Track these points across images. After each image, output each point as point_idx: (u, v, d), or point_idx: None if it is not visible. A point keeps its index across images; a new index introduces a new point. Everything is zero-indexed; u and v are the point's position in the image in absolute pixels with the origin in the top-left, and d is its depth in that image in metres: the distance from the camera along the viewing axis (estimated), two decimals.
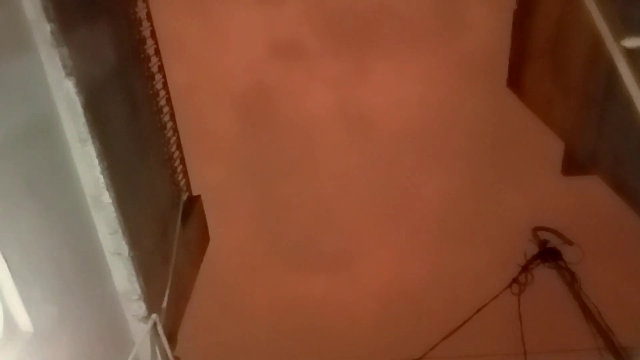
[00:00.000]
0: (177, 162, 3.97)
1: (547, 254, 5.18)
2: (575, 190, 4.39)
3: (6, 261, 2.20)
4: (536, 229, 5.28)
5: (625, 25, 2.56)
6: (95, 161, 2.68)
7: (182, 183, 3.98)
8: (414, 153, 5.14)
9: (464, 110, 4.90)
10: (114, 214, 2.80)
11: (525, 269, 5.20)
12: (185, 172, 4.08)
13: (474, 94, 4.77)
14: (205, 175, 4.32)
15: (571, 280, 5.06)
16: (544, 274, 5.19)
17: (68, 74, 2.52)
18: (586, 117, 3.29)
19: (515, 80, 4.70)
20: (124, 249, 2.89)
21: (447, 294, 5.23)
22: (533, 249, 5.24)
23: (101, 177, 2.71)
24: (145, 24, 3.63)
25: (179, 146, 4.06)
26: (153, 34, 3.71)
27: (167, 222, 3.54)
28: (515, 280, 5.17)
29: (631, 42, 2.53)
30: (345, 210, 5.32)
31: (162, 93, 3.77)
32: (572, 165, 3.87)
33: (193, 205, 3.98)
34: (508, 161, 5.04)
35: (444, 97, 4.86)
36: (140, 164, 3.26)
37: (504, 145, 4.99)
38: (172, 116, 3.91)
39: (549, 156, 4.37)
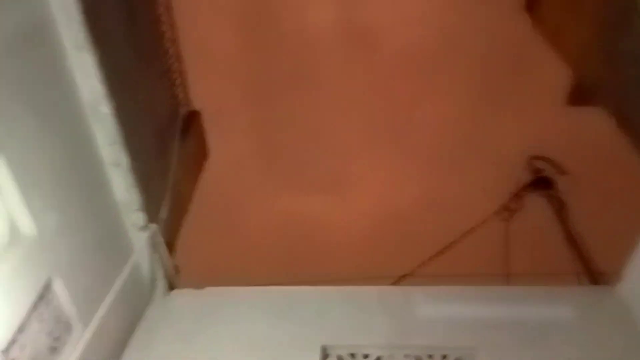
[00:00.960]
0: (177, 74, 3.90)
1: (540, 183, 5.23)
2: (576, 122, 4.36)
3: (8, 167, 2.21)
4: (532, 158, 5.29)
5: None
6: (93, 70, 2.60)
7: (181, 97, 3.94)
8: (415, 75, 5.06)
9: (474, 33, 4.76)
10: (113, 125, 2.74)
11: (517, 195, 5.26)
12: (185, 86, 4.01)
13: (487, 16, 4.61)
14: (206, 91, 4.20)
15: (560, 208, 5.13)
16: (535, 202, 5.28)
17: None
18: (597, 44, 3.19)
19: (532, 5, 4.58)
20: (123, 160, 2.85)
21: (437, 217, 5.31)
22: (528, 178, 5.27)
23: (99, 86, 2.64)
24: None
25: (179, 58, 3.96)
26: None
27: (166, 136, 3.53)
28: (505, 206, 5.24)
29: None
30: (343, 131, 5.32)
31: (161, 0, 3.66)
32: (578, 95, 3.81)
33: (192, 120, 3.95)
34: (512, 89, 4.97)
35: (456, 17, 4.71)
36: (139, 74, 3.18)
37: (510, 72, 4.91)
38: (171, 27, 3.81)
39: (554, 87, 4.30)
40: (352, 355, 2.94)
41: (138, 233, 3.09)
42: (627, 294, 3.00)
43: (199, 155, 4.12)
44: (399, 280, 4.73)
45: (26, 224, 2.29)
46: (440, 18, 4.77)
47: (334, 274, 3.62)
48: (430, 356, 2.82)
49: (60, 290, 2.48)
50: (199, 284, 3.30)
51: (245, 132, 5.37)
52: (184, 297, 3.26)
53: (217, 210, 5.07)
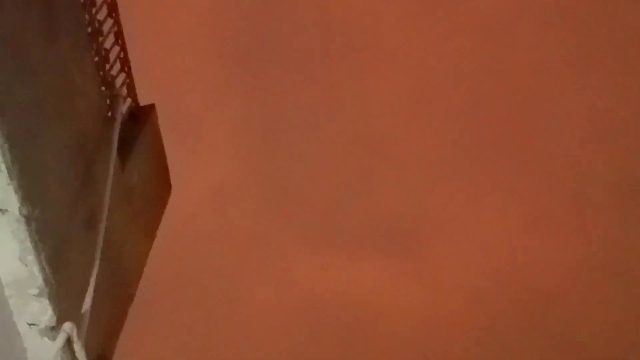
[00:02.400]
0: (111, 48, 3.54)
1: None
2: None
3: None
4: None
5: None
6: None
7: (119, 84, 3.51)
8: None
9: None
10: None
11: None
12: (126, 69, 3.61)
13: None
14: (162, 75, 3.95)
15: None
16: None
17: None
18: None
19: None
20: (13, 201, 2.51)
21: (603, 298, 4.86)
22: None
23: None
24: None
25: (117, 25, 3.61)
26: None
27: (93, 154, 3.12)
28: None
29: None
30: (404, 151, 4.88)
31: None
32: None
33: (140, 123, 3.52)
34: None
35: None
36: (45, 46, 2.89)
37: None
38: None
39: None
40: None
41: (40, 340, 2.78)
42: None
43: (155, 188, 3.66)
44: None
45: None
46: None
47: None
48: None
49: None
50: None
51: (233, 144, 4.95)
52: None
53: (193, 287, 4.73)
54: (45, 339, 2.71)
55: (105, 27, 3.45)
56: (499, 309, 4.99)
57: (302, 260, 5.09)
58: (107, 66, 3.48)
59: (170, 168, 3.76)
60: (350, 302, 5.10)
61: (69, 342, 2.74)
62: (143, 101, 3.66)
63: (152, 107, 3.64)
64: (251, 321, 5.07)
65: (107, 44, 3.50)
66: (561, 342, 4.84)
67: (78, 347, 2.73)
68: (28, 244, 2.54)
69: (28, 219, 2.50)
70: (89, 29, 3.31)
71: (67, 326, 2.70)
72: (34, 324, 2.68)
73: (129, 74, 3.61)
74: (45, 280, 2.60)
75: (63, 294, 2.69)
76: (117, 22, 3.56)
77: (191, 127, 4.38)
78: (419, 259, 5.11)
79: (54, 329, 2.68)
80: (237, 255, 5.15)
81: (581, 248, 4.98)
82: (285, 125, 4.99)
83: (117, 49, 3.56)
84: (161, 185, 3.71)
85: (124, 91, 3.54)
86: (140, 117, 3.56)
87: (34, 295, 2.62)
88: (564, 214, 4.96)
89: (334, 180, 5.06)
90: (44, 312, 2.65)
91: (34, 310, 2.65)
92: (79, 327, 2.75)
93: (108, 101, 3.40)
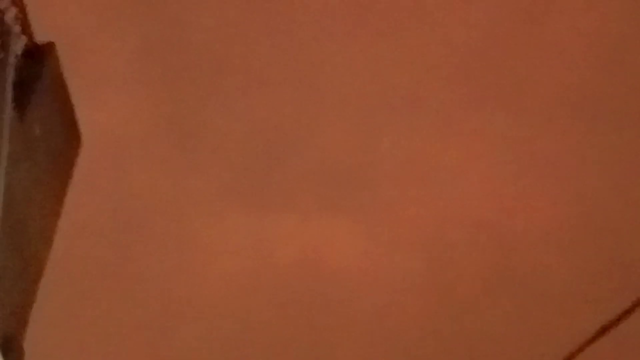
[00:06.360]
0: None
1: None
2: None
3: None
4: None
5: None
6: None
7: (10, 19, 3.10)
8: None
9: None
10: None
11: None
12: (18, 1, 3.18)
13: None
14: (61, 11, 3.51)
15: None
16: None
17: None
18: None
19: None
20: None
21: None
22: None
23: None
24: None
25: None
26: None
27: None
28: None
29: None
30: (351, 88, 4.40)
31: None
32: None
33: (38, 64, 3.12)
34: None
35: None
36: None
37: None
38: None
39: None
40: None
41: None
42: None
43: (61, 138, 3.25)
44: None
45: None
46: None
47: None
48: None
49: None
50: None
51: (138, 80, 4.34)
52: None
53: (114, 253, 4.22)
54: None
55: None
56: (459, 263, 4.77)
57: (233, 222, 4.58)
58: None
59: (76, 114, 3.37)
60: (298, 269, 4.66)
61: None
62: (41, 39, 3.27)
63: (51, 45, 3.24)
64: (183, 289, 4.64)
65: None
66: (525, 294, 4.69)
67: None
68: None
69: None
70: None
71: None
72: None
73: (22, 8, 3.19)
74: None
75: None
76: None
77: (92, 68, 3.96)
78: (372, 213, 4.73)
79: None
80: (157, 218, 4.63)
81: (543, 197, 4.82)
82: (199, 60, 4.48)
83: None
84: (68, 136, 3.29)
85: (17, 28, 3.14)
86: (38, 58, 3.17)
87: None
88: (529, 162, 4.73)
89: (265, 123, 4.58)
90: None
91: None
92: None
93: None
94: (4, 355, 2.67)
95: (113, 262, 4.39)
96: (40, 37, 3.24)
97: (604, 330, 4.29)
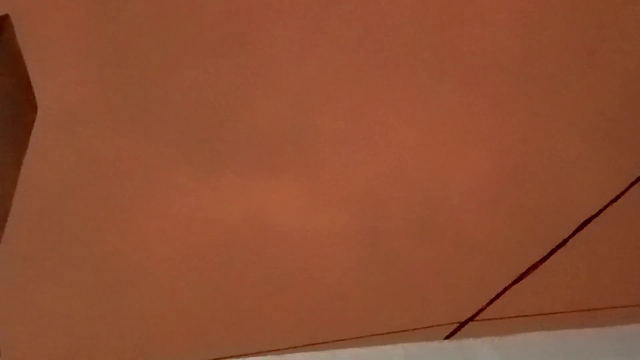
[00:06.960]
0: None
1: None
2: None
3: None
4: None
5: None
6: None
7: None
8: None
9: None
10: None
11: None
12: None
13: None
14: None
15: None
16: None
17: None
18: None
19: None
20: None
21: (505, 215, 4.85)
22: None
23: None
24: None
25: None
26: None
27: None
28: None
29: None
30: (287, 50, 4.61)
31: None
32: None
33: None
34: None
35: None
36: None
37: None
38: None
39: None
40: None
41: None
42: None
43: (18, 108, 3.27)
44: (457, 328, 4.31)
45: None
46: None
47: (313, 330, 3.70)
48: None
49: None
50: None
51: (94, 50, 4.41)
52: None
53: (70, 224, 4.39)
54: None
55: None
56: (389, 219, 4.96)
57: (180, 184, 4.75)
58: None
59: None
60: (239, 228, 4.88)
61: None
62: None
63: (5, 18, 3.21)
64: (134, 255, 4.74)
65: None
66: (449, 246, 4.90)
67: None
68: None
69: None
70: None
71: None
72: None
73: None
74: None
75: None
76: None
77: (46, 36, 3.97)
78: (310, 174, 4.95)
79: None
80: (106, 182, 4.72)
81: (467, 156, 4.97)
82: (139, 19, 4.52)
83: None
84: (25, 103, 3.33)
85: None
86: None
87: None
88: (456, 125, 4.92)
89: (210, 89, 4.68)
90: None
91: None
92: None
93: None
94: None
95: (67, 226, 4.49)
96: None
97: (520, 277, 4.73)
